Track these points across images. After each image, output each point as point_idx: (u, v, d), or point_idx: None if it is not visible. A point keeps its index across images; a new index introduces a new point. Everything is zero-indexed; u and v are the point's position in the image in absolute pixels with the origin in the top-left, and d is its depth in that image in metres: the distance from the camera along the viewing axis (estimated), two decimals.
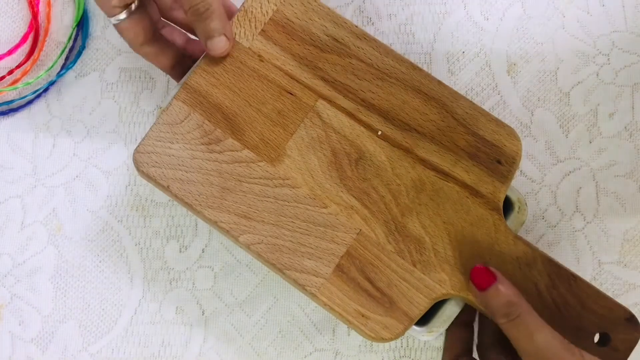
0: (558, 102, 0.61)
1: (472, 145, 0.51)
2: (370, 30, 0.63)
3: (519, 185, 0.60)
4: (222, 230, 0.51)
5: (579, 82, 0.61)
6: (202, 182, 0.51)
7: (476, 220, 0.51)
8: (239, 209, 0.51)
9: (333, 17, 0.53)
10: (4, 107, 0.63)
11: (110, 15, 0.54)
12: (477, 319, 0.55)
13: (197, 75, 0.52)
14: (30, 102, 0.63)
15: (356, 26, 0.53)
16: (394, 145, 0.51)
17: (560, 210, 0.60)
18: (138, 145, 0.52)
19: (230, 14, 0.55)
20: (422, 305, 0.49)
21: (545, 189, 0.60)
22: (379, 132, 0.52)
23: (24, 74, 0.64)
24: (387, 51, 0.52)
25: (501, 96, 0.61)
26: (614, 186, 0.60)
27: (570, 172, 0.61)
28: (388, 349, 0.59)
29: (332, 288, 0.50)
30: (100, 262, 0.61)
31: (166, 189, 0.51)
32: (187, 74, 0.53)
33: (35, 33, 0.64)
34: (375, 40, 0.53)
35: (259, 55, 0.52)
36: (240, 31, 0.53)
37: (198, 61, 0.53)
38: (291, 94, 0.52)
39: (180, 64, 0.57)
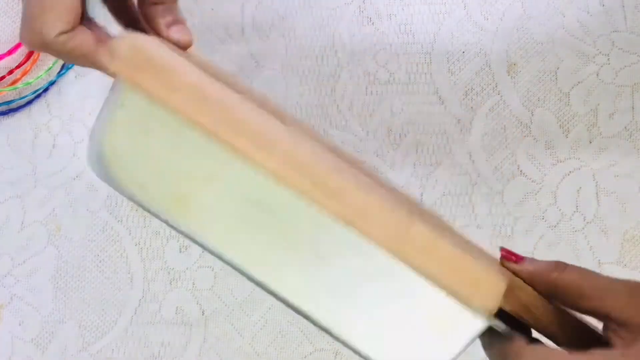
0: (558, 102, 0.61)
1: None
2: (370, 30, 0.63)
3: (519, 185, 0.60)
4: None
5: (579, 82, 0.61)
6: None
7: None
8: None
9: None
10: (4, 107, 0.63)
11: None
12: None
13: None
14: (30, 102, 0.63)
15: None
16: None
17: (560, 210, 0.60)
18: None
19: None
20: None
21: (545, 189, 0.60)
22: None
23: (24, 73, 0.64)
24: None
25: (501, 96, 0.61)
26: (614, 186, 0.60)
27: (570, 172, 0.61)
28: None
29: None
30: (100, 262, 0.61)
31: None
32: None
33: None
34: None
35: None
36: None
37: None
38: None
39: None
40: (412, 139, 0.61)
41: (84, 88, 0.63)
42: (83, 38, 0.42)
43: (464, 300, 0.38)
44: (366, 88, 0.62)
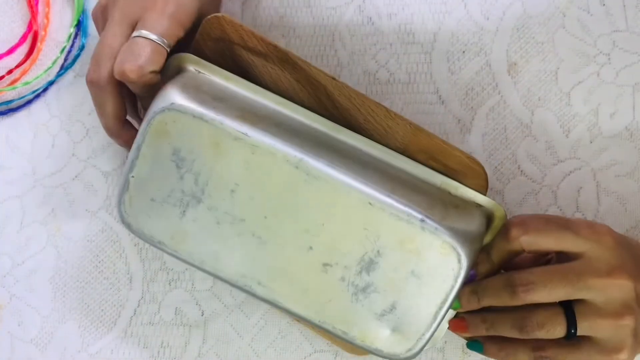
0: (558, 102, 0.61)
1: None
2: (370, 30, 0.63)
3: (519, 186, 0.60)
4: None
5: (579, 82, 0.61)
6: None
7: None
8: None
9: None
10: (3, 107, 0.63)
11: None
12: None
13: None
14: (29, 102, 0.63)
15: None
16: None
17: (560, 210, 0.60)
18: None
19: None
20: None
21: (545, 189, 0.60)
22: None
23: (23, 73, 0.64)
24: None
25: (501, 96, 0.61)
26: (614, 186, 0.60)
27: (570, 172, 0.60)
28: None
29: None
30: (99, 262, 0.61)
31: None
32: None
33: (34, 33, 0.64)
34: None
35: None
36: None
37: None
38: None
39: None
40: None
41: (83, 88, 0.63)
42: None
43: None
44: (366, 88, 0.62)
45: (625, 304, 0.48)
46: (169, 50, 0.52)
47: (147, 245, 0.61)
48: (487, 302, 0.51)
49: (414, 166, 0.52)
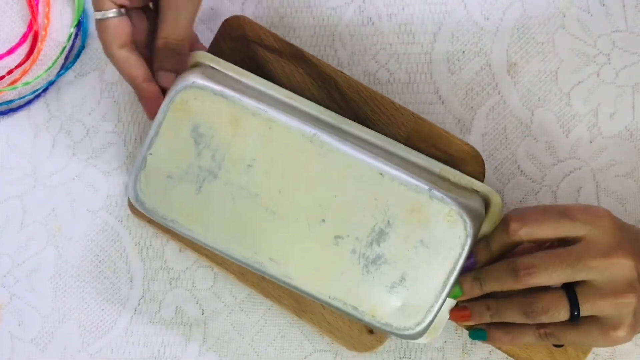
0: (558, 102, 0.61)
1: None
2: (370, 30, 0.63)
3: (519, 185, 0.60)
4: None
5: (579, 82, 0.61)
6: None
7: None
8: None
9: None
10: (4, 107, 0.63)
11: (99, 9, 0.53)
12: None
13: None
14: (29, 102, 0.63)
15: None
16: None
17: None
18: None
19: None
20: None
21: (545, 189, 0.60)
22: None
23: (24, 73, 0.64)
24: None
25: (501, 96, 0.61)
26: (614, 186, 0.60)
27: (570, 172, 0.60)
28: (389, 350, 0.59)
29: None
30: (100, 262, 0.61)
31: None
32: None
33: (34, 33, 0.64)
34: None
35: None
36: None
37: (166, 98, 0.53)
38: None
39: (150, 83, 0.56)
40: None
41: (83, 88, 0.63)
42: None
43: None
44: None
45: (627, 282, 0.49)
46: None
47: (147, 244, 0.61)
48: (490, 287, 0.52)
49: (416, 155, 0.54)
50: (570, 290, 0.50)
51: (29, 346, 0.60)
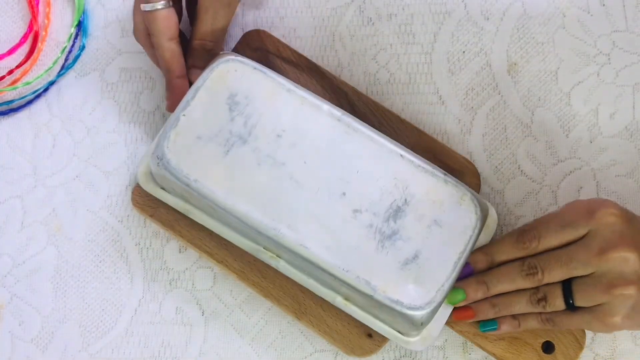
0: (558, 102, 0.61)
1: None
2: (370, 30, 0.63)
3: (519, 185, 0.60)
4: None
5: (579, 82, 0.61)
6: None
7: None
8: None
9: None
10: (4, 107, 0.63)
11: (148, 0, 0.55)
12: None
13: None
14: (30, 102, 0.63)
15: None
16: None
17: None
18: None
19: None
20: None
21: (545, 189, 0.60)
22: None
23: (24, 73, 0.64)
24: None
25: (501, 96, 0.61)
26: (614, 186, 0.60)
27: (570, 171, 0.60)
28: (389, 349, 0.59)
29: None
30: (100, 262, 0.61)
31: None
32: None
33: (35, 33, 0.64)
34: None
35: None
36: None
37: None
38: None
39: (183, 79, 0.59)
40: None
41: (83, 88, 0.63)
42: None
43: None
44: (367, 88, 0.62)
45: (627, 274, 0.50)
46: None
47: (147, 245, 0.61)
48: (500, 288, 0.53)
49: (423, 160, 0.55)
50: (567, 282, 0.51)
51: (29, 346, 0.60)
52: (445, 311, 0.55)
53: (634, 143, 0.60)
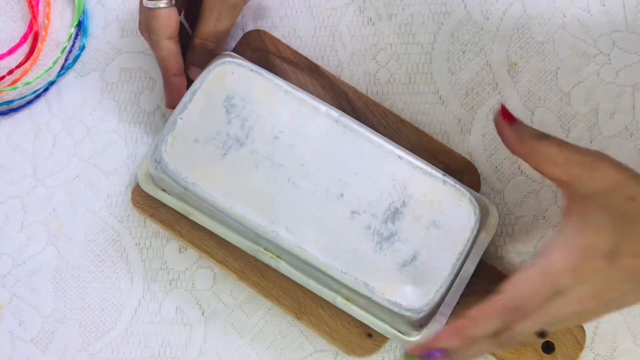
0: (559, 102, 0.61)
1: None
2: (370, 30, 0.63)
3: (519, 185, 0.60)
4: None
5: (579, 82, 0.61)
6: None
7: None
8: None
9: None
10: (4, 107, 0.63)
11: None
12: None
13: None
14: (30, 102, 0.63)
15: None
16: None
17: (561, 209, 0.60)
18: None
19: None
20: None
21: (546, 189, 0.60)
22: None
23: (24, 74, 0.64)
24: None
25: (502, 96, 0.61)
26: None
27: None
28: (389, 349, 0.59)
29: None
30: (100, 262, 0.61)
31: None
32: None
33: (34, 33, 0.64)
34: None
35: None
36: None
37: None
38: None
39: (180, 77, 0.59)
40: None
41: (84, 88, 0.63)
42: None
43: None
44: (367, 88, 0.62)
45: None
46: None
47: (147, 245, 0.61)
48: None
49: (422, 161, 0.55)
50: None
51: (29, 346, 0.60)
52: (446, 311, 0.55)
53: (634, 143, 0.60)
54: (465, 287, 0.55)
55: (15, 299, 0.61)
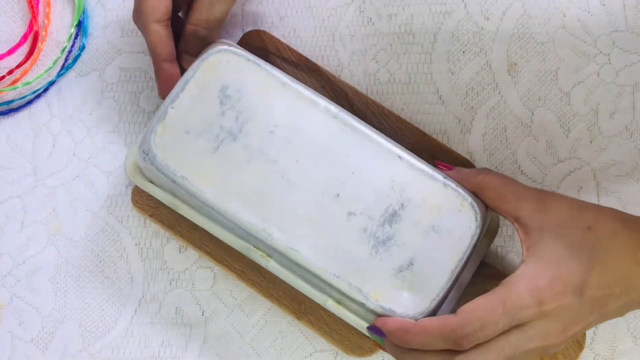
0: (559, 102, 0.61)
1: None
2: (370, 30, 0.63)
3: None
4: None
5: (579, 82, 0.61)
6: None
7: None
8: None
9: None
10: (4, 107, 0.63)
11: None
12: None
13: None
14: (30, 102, 0.63)
15: None
16: None
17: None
18: None
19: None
20: None
21: (546, 189, 0.60)
22: None
23: (24, 73, 0.64)
24: None
25: (502, 96, 0.61)
26: (614, 186, 0.60)
27: (571, 171, 0.60)
28: None
29: None
30: (100, 262, 0.61)
31: None
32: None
33: (34, 33, 0.64)
34: None
35: None
36: None
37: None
38: None
39: (172, 63, 0.57)
40: None
41: (84, 88, 0.63)
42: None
43: None
44: (367, 88, 0.62)
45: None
46: None
47: (147, 245, 0.61)
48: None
49: (422, 162, 0.53)
50: None
51: (29, 346, 0.60)
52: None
53: (634, 143, 0.60)
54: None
55: (15, 299, 0.61)
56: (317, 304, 0.55)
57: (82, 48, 0.64)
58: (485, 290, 0.47)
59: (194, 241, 0.58)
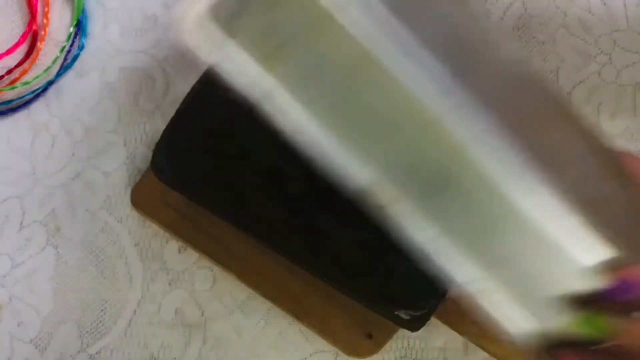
0: None
1: None
2: None
3: None
4: None
5: (580, 82, 0.61)
6: None
7: None
8: None
9: None
10: (3, 107, 0.63)
11: None
12: None
13: None
14: (29, 102, 0.63)
15: None
16: None
17: None
18: None
19: None
20: None
21: None
22: None
23: (23, 73, 0.64)
24: None
25: None
26: None
27: None
28: (389, 350, 0.59)
29: None
30: (99, 262, 0.61)
31: None
32: None
33: (33, 33, 0.64)
34: None
35: None
36: None
37: None
38: None
39: None
40: None
41: (83, 88, 0.63)
42: None
43: None
44: None
45: None
46: None
47: (147, 245, 0.61)
48: None
49: None
50: None
51: (28, 347, 0.60)
52: None
53: (635, 143, 0.60)
54: None
55: (15, 300, 0.61)
56: (317, 304, 0.56)
57: (82, 48, 0.64)
58: None
59: (193, 241, 0.58)
